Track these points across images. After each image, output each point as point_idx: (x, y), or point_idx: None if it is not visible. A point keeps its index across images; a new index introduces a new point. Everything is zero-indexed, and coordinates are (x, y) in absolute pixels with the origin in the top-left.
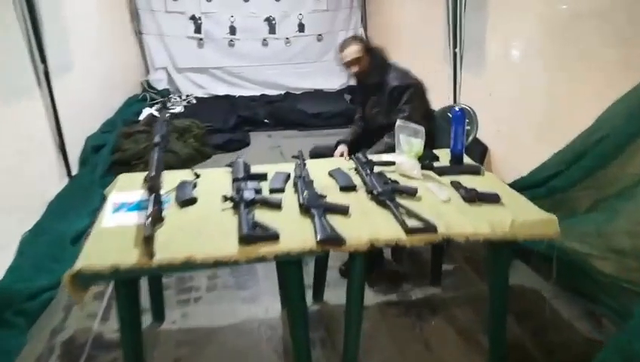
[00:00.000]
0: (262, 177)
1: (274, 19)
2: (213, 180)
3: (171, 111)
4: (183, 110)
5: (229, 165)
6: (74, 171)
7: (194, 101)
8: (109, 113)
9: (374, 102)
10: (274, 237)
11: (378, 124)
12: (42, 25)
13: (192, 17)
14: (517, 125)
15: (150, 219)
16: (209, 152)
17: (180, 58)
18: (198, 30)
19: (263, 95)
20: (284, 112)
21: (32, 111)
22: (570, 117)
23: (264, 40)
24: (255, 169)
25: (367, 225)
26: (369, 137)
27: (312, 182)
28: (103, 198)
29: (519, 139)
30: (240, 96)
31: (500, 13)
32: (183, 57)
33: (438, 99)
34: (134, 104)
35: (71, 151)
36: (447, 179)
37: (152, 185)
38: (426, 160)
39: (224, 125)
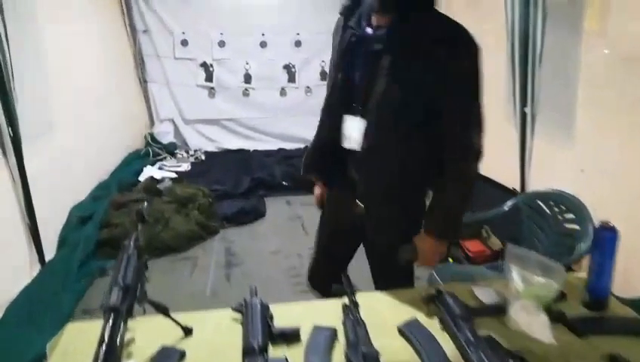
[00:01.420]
0: (292, 338)
1: (294, 66)
2: (214, 344)
3: (175, 169)
4: (189, 168)
5: (239, 309)
6: (50, 255)
7: (203, 157)
8: (105, 174)
9: (386, 67)
10: None
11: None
12: (11, 80)
13: (203, 64)
14: (633, 218)
15: None
16: (216, 227)
17: (188, 108)
18: (209, 78)
19: (280, 149)
20: None
21: None
22: None
23: (282, 89)
24: (279, 312)
25: None
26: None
27: (376, 356)
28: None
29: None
30: (254, 151)
31: (602, 59)
32: (192, 108)
33: (500, 171)
34: (134, 161)
35: (48, 229)
36: (596, 348)
37: None
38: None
39: (235, 188)
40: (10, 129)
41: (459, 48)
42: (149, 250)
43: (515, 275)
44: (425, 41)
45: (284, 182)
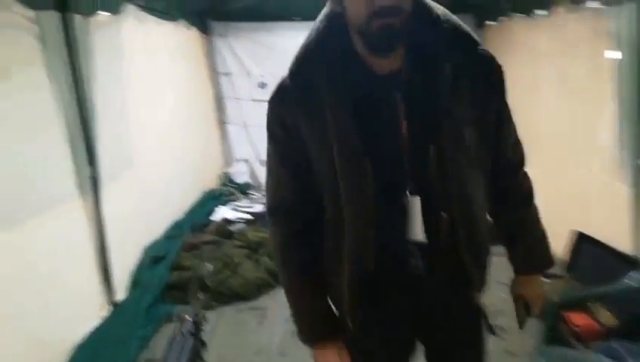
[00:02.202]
0: None
1: None
2: None
3: (248, 210)
4: (263, 209)
5: None
6: (120, 295)
7: None
8: (180, 213)
9: (443, 115)
10: None
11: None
12: (94, 120)
13: None
14: None
15: None
16: None
17: (264, 150)
18: None
19: None
20: None
21: (66, 227)
22: None
23: None
24: None
25: None
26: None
27: None
28: None
29: None
30: None
31: None
32: None
33: (602, 230)
34: (209, 202)
35: (121, 269)
36: None
37: None
38: None
39: None
40: (90, 168)
41: (493, 63)
42: (216, 296)
43: None
44: (460, 65)
45: None
